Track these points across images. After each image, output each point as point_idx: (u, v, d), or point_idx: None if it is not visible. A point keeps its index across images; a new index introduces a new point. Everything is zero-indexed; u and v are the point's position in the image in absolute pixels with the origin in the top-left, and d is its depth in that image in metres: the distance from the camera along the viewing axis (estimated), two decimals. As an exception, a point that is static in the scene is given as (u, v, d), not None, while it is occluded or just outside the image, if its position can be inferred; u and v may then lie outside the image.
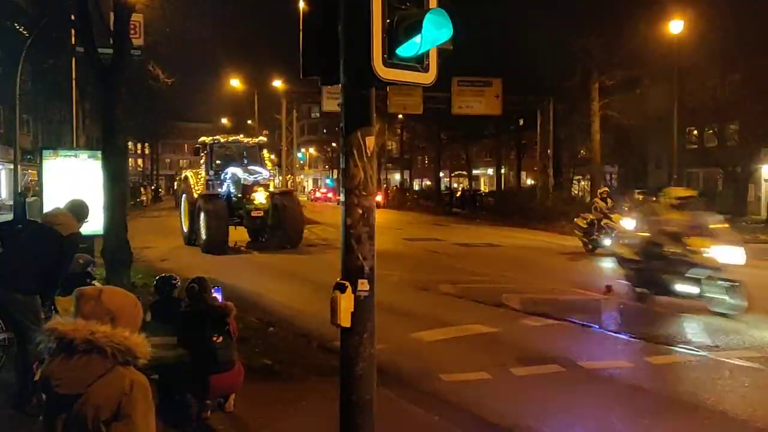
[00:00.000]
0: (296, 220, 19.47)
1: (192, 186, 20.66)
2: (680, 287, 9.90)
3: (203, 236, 18.37)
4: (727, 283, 9.44)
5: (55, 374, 2.38)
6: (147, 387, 2.49)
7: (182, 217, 21.33)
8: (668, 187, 13.16)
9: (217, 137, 22.06)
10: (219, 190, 19.81)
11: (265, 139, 24.98)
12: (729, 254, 9.60)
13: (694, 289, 9.72)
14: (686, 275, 9.77)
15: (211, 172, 20.51)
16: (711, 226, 9.97)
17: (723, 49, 27.75)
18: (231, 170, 19.88)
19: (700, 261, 9.64)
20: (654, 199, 13.82)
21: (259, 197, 18.99)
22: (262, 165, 20.78)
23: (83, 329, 2.38)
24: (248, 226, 19.59)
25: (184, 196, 21.38)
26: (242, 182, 19.19)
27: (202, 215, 18.42)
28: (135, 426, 2.37)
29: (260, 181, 19.37)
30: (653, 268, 10.19)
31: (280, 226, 19.18)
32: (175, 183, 59.70)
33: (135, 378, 2.44)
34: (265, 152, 22.08)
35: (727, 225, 10.56)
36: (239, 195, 19.16)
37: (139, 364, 2.49)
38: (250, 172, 19.58)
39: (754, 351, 7.91)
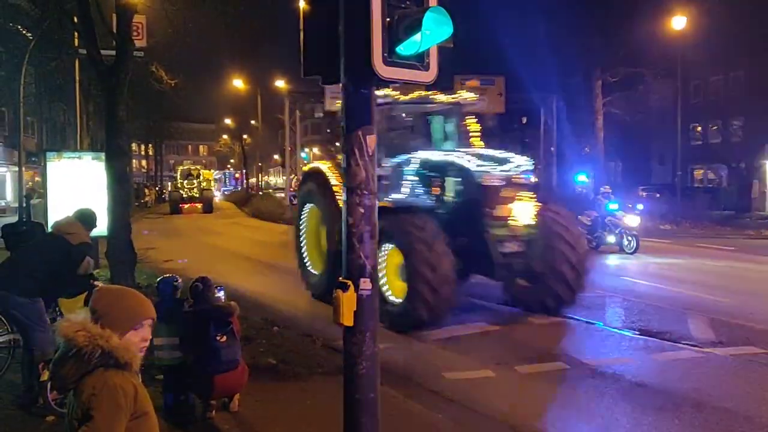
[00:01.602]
0: (578, 253, 9.68)
1: (336, 188, 10.71)
2: (609, 238, 17.27)
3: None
4: (631, 235, 16.89)
5: (51, 369, 2.46)
6: (119, 391, 2.36)
7: (304, 243, 12.11)
8: (605, 185, 20.21)
9: (387, 92, 10.11)
10: (394, 195, 10.41)
11: (475, 97, 12.13)
12: (633, 220, 17.22)
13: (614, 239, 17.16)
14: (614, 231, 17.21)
15: (390, 161, 10.63)
16: (629, 207, 17.95)
17: (726, 45, 27.70)
18: (425, 156, 10.41)
19: (622, 224, 17.12)
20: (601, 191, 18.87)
21: (524, 212, 9.46)
22: (465, 142, 11.34)
23: (70, 328, 2.40)
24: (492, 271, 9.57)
25: (308, 207, 12.04)
26: (478, 180, 9.35)
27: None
28: (95, 429, 2.29)
29: (515, 178, 9.54)
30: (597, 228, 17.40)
31: (545, 269, 9.59)
32: (170, 185, 52.32)
33: (108, 381, 2.35)
34: (471, 121, 11.92)
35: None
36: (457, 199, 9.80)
37: (130, 369, 2.43)
38: (482, 158, 9.78)
39: (758, 348, 7.89)
